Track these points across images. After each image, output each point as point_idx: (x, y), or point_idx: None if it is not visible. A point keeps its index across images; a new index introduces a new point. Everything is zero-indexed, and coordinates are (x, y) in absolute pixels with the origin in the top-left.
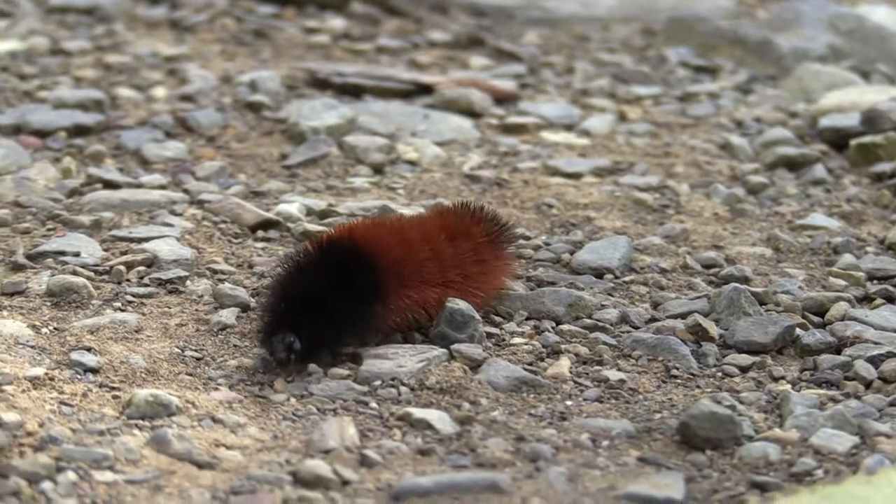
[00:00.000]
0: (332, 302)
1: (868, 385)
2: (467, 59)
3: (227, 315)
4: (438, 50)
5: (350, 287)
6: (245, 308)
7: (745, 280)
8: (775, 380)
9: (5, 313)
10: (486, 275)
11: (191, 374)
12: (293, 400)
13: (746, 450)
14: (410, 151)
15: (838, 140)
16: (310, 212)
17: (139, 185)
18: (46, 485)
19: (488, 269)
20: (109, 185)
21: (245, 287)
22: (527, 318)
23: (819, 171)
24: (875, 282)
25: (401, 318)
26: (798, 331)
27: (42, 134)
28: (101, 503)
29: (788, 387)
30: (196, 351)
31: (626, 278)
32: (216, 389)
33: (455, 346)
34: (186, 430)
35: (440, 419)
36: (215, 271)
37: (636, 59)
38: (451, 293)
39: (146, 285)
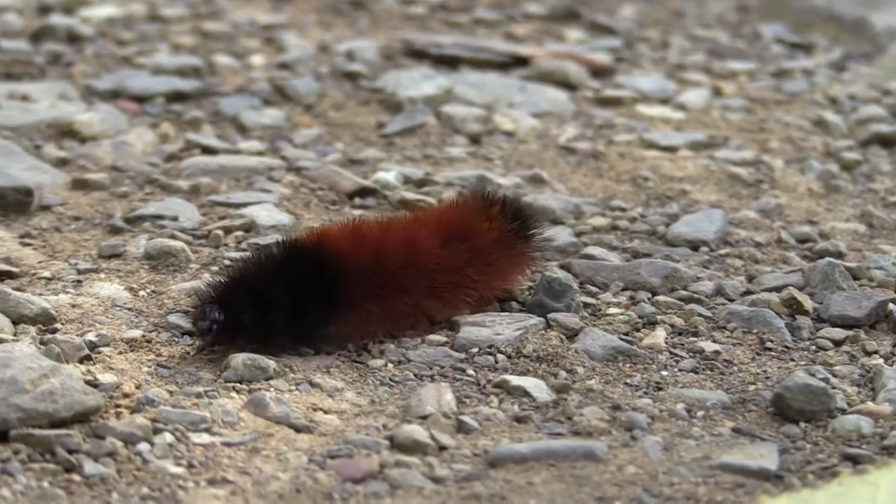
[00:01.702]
0: (273, 297)
1: None
2: (563, 33)
3: None
4: (534, 23)
5: (298, 288)
6: None
7: (839, 255)
8: (868, 354)
9: (103, 276)
10: (489, 276)
11: None
12: (390, 366)
13: (839, 422)
14: (507, 122)
15: None
16: (407, 180)
17: (237, 152)
18: (143, 446)
19: (493, 270)
20: (207, 150)
21: None
22: (623, 289)
23: None
24: None
25: (368, 327)
26: (891, 306)
27: (140, 99)
28: (197, 465)
29: (881, 361)
30: None
31: (722, 251)
32: (314, 354)
33: (552, 315)
34: (284, 394)
35: (537, 387)
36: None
37: (731, 34)
38: (433, 303)
39: (244, 250)
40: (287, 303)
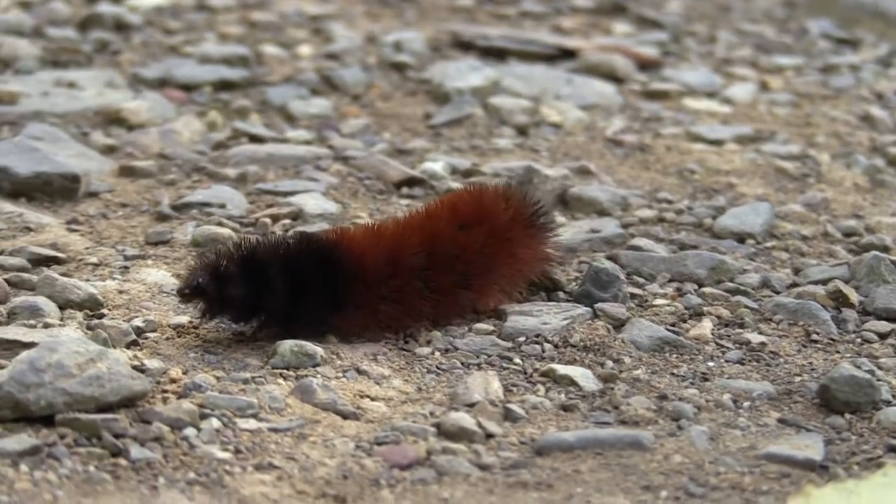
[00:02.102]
0: (271, 285)
1: None
2: (610, 26)
3: None
4: (581, 16)
5: (304, 283)
6: None
7: (885, 249)
8: None
9: (150, 262)
10: (506, 273)
11: None
12: (438, 354)
13: (884, 414)
14: (554, 114)
15: None
16: (454, 171)
17: (284, 140)
18: (189, 431)
19: (515, 249)
20: (255, 139)
21: None
22: (669, 280)
23: None
24: None
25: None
26: None
27: (187, 88)
28: (244, 450)
29: None
30: None
31: (768, 244)
32: (361, 341)
33: (599, 305)
34: (331, 381)
35: (584, 376)
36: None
37: (778, 29)
38: (467, 294)
39: None
40: (282, 289)
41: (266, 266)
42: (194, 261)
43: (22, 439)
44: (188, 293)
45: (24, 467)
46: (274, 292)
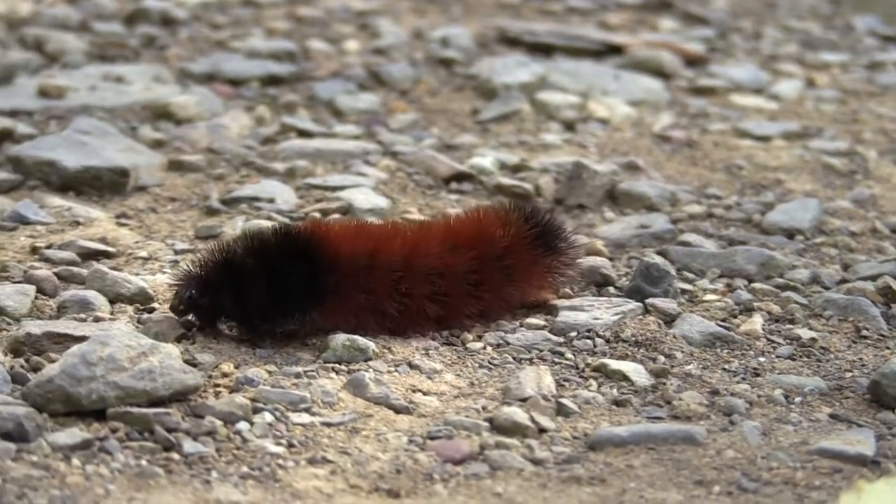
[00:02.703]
0: (252, 280)
1: None
2: (656, 22)
3: None
4: (627, 12)
5: (285, 279)
6: None
7: None
8: None
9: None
10: (500, 285)
11: None
12: (489, 348)
13: None
14: (601, 110)
15: None
16: (503, 166)
17: (333, 135)
18: (242, 425)
19: (506, 278)
20: (303, 134)
21: None
22: (719, 276)
23: None
24: None
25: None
26: None
27: (235, 82)
28: (297, 444)
29: None
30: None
31: (817, 240)
32: (412, 336)
33: (650, 301)
34: (383, 375)
35: (636, 371)
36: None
37: (824, 26)
38: (434, 307)
39: None
40: (264, 287)
41: (247, 268)
42: (177, 273)
43: (73, 433)
44: (182, 309)
45: (76, 461)
46: (257, 294)
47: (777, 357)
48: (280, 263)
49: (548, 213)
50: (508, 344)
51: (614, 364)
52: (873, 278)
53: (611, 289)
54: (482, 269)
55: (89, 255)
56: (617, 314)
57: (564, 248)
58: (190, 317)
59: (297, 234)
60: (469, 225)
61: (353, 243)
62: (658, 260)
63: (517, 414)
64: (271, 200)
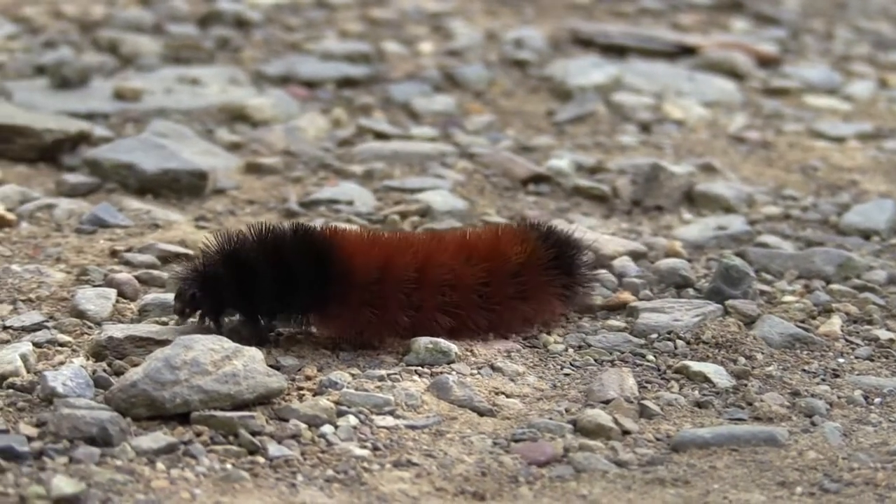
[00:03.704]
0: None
1: None
2: (727, 23)
3: None
4: (699, 13)
5: (293, 281)
6: None
7: None
8: None
9: None
10: (511, 301)
11: None
12: (571, 350)
13: None
14: (676, 111)
15: None
16: (579, 167)
17: (409, 137)
18: (327, 428)
19: (517, 295)
20: (380, 136)
21: None
22: (797, 277)
23: None
24: None
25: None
26: None
27: (310, 84)
28: (382, 447)
29: None
30: None
31: (892, 241)
32: (495, 338)
33: (730, 302)
34: (466, 378)
35: (717, 373)
36: (488, 223)
37: (895, 26)
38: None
39: None
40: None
41: (252, 265)
42: (179, 269)
43: (158, 437)
44: (185, 311)
45: (160, 465)
46: (261, 291)
47: (856, 358)
48: (290, 261)
49: (566, 234)
50: (590, 346)
51: (696, 366)
52: None
53: (690, 290)
54: (494, 283)
55: (169, 258)
56: (697, 316)
57: (581, 270)
58: (195, 316)
59: (314, 235)
60: (485, 240)
61: (367, 252)
62: (737, 262)
63: (600, 416)
64: (350, 203)
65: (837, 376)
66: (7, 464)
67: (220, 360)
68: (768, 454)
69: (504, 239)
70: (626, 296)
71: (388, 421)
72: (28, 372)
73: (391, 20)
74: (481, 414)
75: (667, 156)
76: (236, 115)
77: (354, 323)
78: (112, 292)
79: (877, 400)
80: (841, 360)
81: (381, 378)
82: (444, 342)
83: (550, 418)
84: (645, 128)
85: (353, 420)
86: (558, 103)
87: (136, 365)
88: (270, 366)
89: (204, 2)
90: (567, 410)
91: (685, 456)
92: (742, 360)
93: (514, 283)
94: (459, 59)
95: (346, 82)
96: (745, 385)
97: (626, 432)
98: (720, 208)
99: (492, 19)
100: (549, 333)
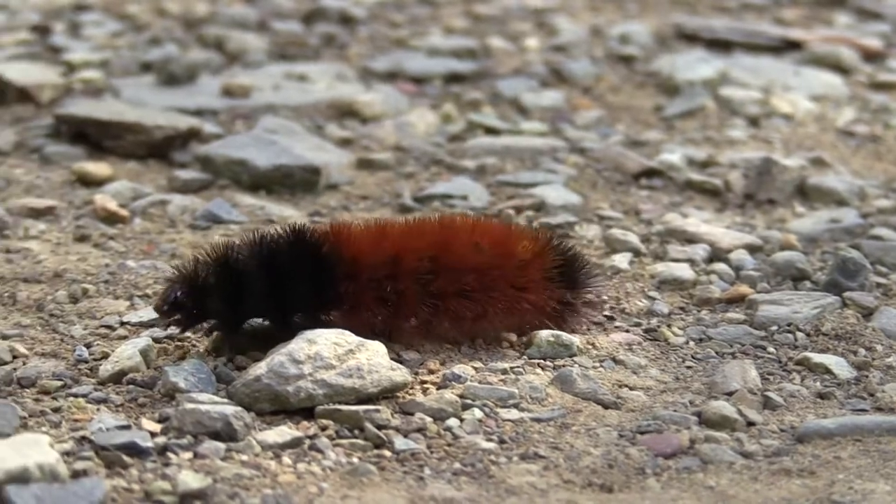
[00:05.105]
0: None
1: None
2: (830, 17)
3: (620, 259)
4: (801, 7)
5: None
6: (637, 253)
7: None
8: None
9: None
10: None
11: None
12: (692, 343)
13: None
14: (784, 105)
15: None
16: (690, 161)
17: (519, 132)
18: (452, 422)
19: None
20: (490, 131)
21: (634, 233)
22: None
23: None
24: None
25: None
26: None
27: (418, 80)
28: (508, 440)
29: None
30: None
31: None
32: (615, 331)
33: (847, 294)
34: (589, 371)
35: (838, 364)
36: (603, 217)
37: None
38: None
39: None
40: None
41: (245, 272)
42: (172, 272)
43: (283, 432)
44: (166, 310)
45: (286, 460)
46: (253, 299)
47: None
48: (283, 269)
49: (573, 247)
50: (710, 339)
51: (817, 357)
52: None
53: (807, 283)
54: (497, 275)
55: None
56: (816, 308)
57: (584, 284)
58: (176, 317)
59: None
60: (496, 231)
61: (372, 247)
62: (854, 254)
63: (725, 408)
64: (464, 198)
65: None
66: (130, 459)
67: (343, 354)
68: (892, 444)
69: (514, 233)
70: (743, 288)
71: (513, 414)
72: (148, 367)
73: (495, 16)
74: (606, 406)
75: (776, 150)
76: (345, 111)
77: (365, 320)
78: None
79: None
80: None
81: (503, 371)
82: (565, 335)
83: (675, 410)
84: (753, 122)
85: (478, 413)
86: (666, 98)
87: (256, 360)
88: (393, 359)
89: None
90: (691, 402)
91: (810, 447)
92: (862, 351)
93: (519, 275)
94: (565, 55)
95: (454, 78)
96: (867, 376)
97: (750, 423)
98: (832, 201)
99: (595, 15)
100: (668, 326)
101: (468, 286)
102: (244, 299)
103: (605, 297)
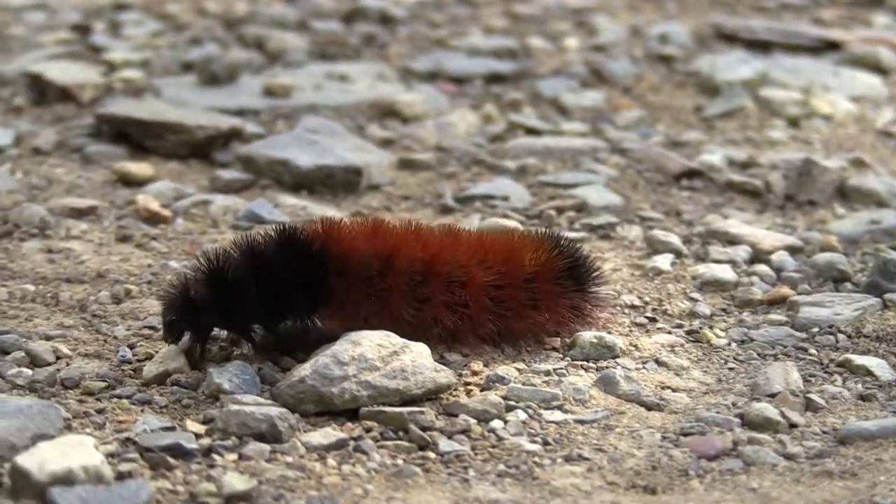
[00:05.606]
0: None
1: None
2: (868, 17)
3: (662, 261)
4: (840, 7)
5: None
6: (678, 254)
7: None
8: None
9: None
10: (518, 309)
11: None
12: (734, 345)
13: None
14: (824, 106)
15: None
16: (731, 162)
17: (560, 133)
18: (496, 423)
19: (525, 304)
20: (531, 131)
21: (676, 234)
22: None
23: None
24: None
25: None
26: None
27: (458, 80)
28: (552, 442)
29: None
30: (634, 295)
31: None
32: (658, 333)
33: (888, 296)
34: (632, 372)
35: (879, 366)
36: (644, 218)
37: None
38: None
39: (577, 230)
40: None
41: (237, 280)
42: (168, 289)
43: (327, 433)
44: (171, 340)
45: (331, 461)
46: (249, 307)
47: None
48: (274, 273)
49: (580, 248)
50: (752, 340)
51: (858, 359)
52: None
53: (848, 284)
54: (506, 287)
55: None
56: (857, 310)
57: (593, 285)
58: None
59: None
60: (501, 243)
61: (362, 246)
62: (894, 255)
63: (768, 409)
64: (506, 198)
65: None
66: (175, 461)
67: (387, 355)
68: None
69: (519, 244)
70: (785, 290)
71: (557, 416)
72: (192, 369)
73: (534, 16)
74: (649, 408)
75: (816, 151)
76: (386, 111)
77: (356, 317)
78: None
79: None
80: None
81: (547, 373)
82: (608, 336)
83: (718, 412)
84: (793, 123)
85: (522, 415)
86: (706, 98)
87: (301, 361)
88: (436, 361)
89: None
90: (734, 404)
91: (851, 448)
92: None
93: (527, 288)
94: (605, 55)
95: (494, 78)
96: None
97: (793, 425)
98: (873, 202)
99: (634, 14)
100: (711, 328)
101: (466, 298)
102: (238, 309)
103: (612, 293)
